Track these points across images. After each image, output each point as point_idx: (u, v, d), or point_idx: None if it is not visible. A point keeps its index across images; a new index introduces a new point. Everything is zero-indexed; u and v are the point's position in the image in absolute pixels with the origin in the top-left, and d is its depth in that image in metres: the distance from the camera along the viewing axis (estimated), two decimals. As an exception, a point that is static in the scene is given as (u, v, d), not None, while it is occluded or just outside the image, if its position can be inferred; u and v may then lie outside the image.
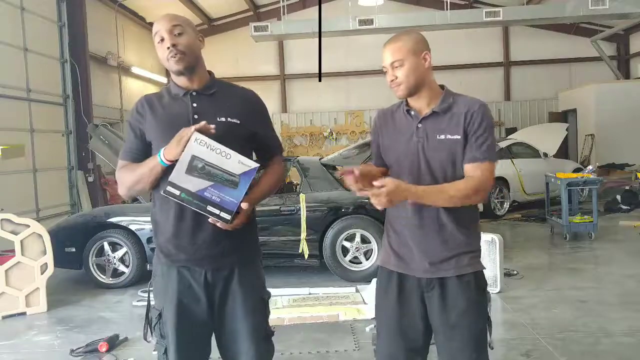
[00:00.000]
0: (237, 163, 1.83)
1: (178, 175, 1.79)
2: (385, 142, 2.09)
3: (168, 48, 1.93)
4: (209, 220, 1.86)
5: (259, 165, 1.86)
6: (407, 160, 1.99)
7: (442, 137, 1.96)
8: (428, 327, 2.04)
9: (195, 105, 1.98)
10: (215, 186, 1.81)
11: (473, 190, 1.89)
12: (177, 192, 1.79)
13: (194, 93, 2.00)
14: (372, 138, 2.20)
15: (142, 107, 2.03)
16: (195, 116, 1.96)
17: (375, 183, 1.81)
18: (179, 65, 1.95)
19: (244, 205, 1.88)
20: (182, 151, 1.82)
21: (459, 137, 1.95)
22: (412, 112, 2.03)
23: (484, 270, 2.05)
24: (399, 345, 2.03)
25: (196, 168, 1.80)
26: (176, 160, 1.84)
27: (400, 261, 2.05)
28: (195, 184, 1.80)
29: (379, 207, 1.83)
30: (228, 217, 1.83)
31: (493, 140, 1.97)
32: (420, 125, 1.99)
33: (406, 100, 2.06)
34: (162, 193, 1.82)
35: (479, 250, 2.06)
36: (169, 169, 1.88)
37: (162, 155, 1.89)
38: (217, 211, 1.83)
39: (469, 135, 1.94)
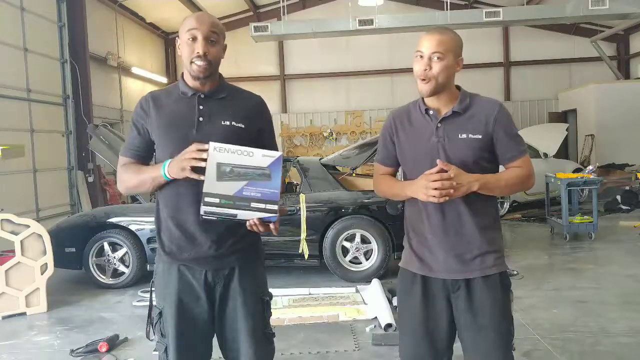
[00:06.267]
0: (261, 157, 1.82)
1: (211, 186, 1.77)
2: (403, 142, 2.07)
3: (198, 53, 1.91)
4: (250, 225, 1.83)
5: (281, 153, 1.86)
6: (427, 159, 1.97)
7: (464, 136, 1.97)
8: (453, 327, 2.03)
9: (201, 107, 1.96)
10: (251, 183, 1.80)
11: (526, 177, 2.02)
12: (216, 200, 1.77)
13: (202, 95, 1.98)
14: (383, 138, 2.15)
15: (146, 103, 2.00)
16: (200, 118, 1.94)
17: (439, 167, 1.85)
18: (201, 73, 1.93)
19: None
20: (181, 170, 1.82)
21: (480, 136, 1.97)
22: (431, 112, 2.02)
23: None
24: (425, 347, 2.03)
25: (225, 173, 1.78)
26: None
27: (423, 263, 2.03)
28: (230, 187, 1.79)
29: (439, 200, 1.85)
30: (275, 207, 1.81)
31: (518, 134, 2.06)
32: (440, 125, 1.99)
33: (422, 100, 2.05)
34: (201, 214, 1.79)
35: (502, 250, 2.05)
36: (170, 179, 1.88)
37: (166, 170, 1.88)
38: (262, 205, 1.81)
39: (500, 138, 1.98)
